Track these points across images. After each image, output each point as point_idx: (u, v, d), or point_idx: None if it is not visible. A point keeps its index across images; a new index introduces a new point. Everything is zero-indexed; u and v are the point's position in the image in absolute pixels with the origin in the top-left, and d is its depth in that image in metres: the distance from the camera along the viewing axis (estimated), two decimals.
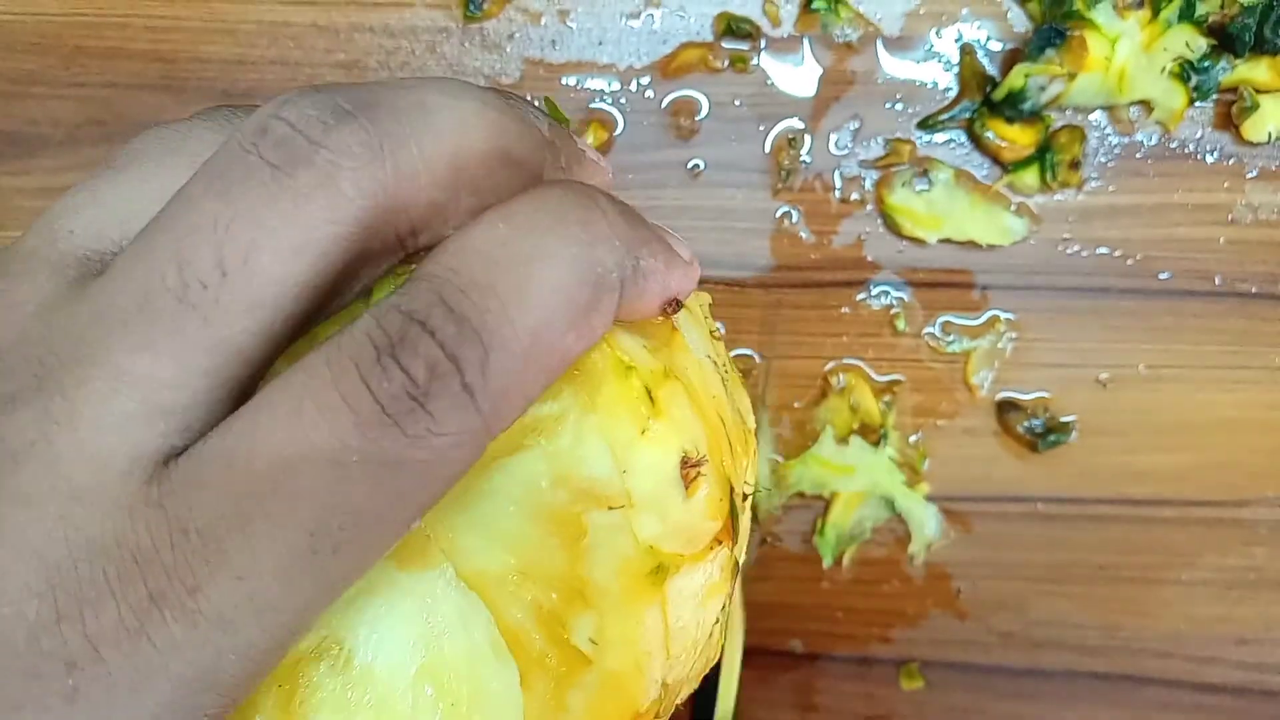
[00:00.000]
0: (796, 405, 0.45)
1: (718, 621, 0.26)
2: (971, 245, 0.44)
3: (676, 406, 0.24)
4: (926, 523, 0.45)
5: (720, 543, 0.24)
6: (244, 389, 0.20)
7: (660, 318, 0.24)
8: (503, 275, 0.20)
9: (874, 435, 0.45)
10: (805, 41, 0.43)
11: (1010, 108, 0.42)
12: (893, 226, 0.44)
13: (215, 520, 0.18)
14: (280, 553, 0.18)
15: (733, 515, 0.25)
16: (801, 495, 0.45)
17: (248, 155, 0.20)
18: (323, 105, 0.20)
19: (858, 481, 0.45)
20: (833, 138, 0.44)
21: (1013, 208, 0.44)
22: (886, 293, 0.45)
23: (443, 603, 0.22)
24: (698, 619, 0.25)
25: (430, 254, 0.20)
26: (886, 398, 0.45)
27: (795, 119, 0.44)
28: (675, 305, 0.24)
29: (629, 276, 0.22)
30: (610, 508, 0.23)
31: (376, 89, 0.21)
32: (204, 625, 0.18)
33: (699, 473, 0.24)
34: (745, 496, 0.27)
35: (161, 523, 0.18)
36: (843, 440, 0.45)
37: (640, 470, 0.23)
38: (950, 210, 0.43)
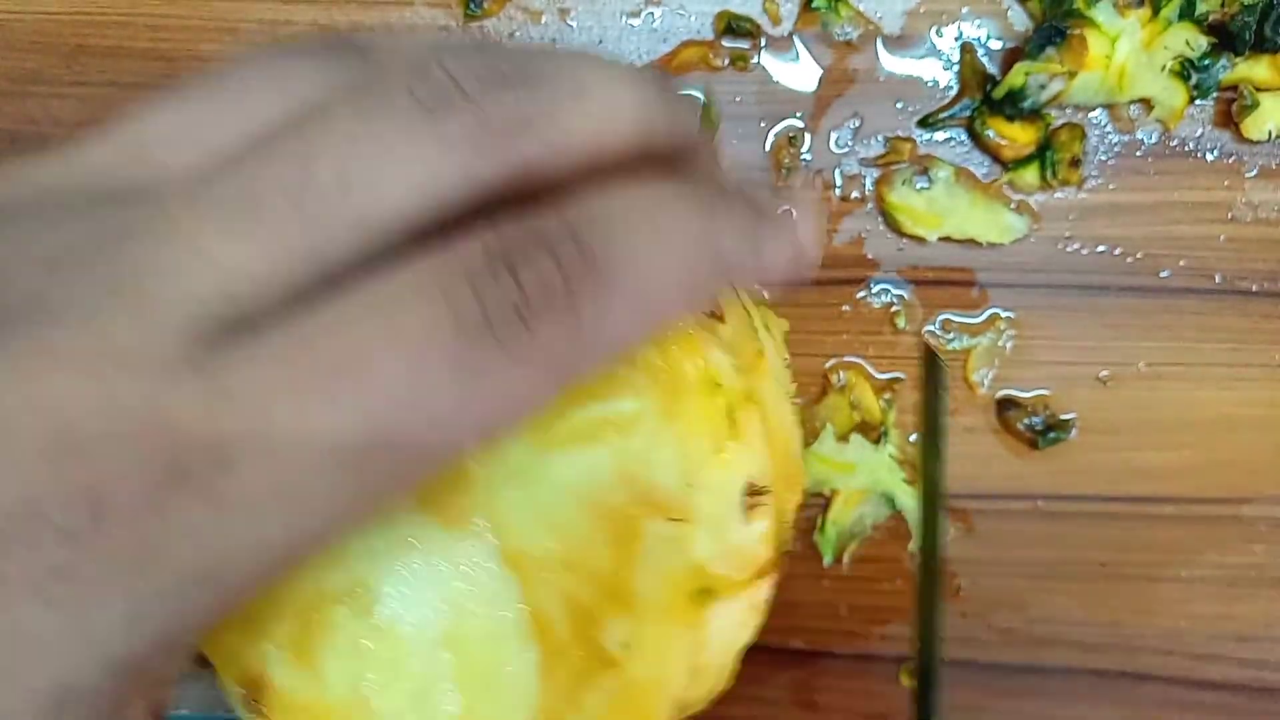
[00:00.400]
0: (798, 403, 0.45)
1: (738, 655, 0.26)
2: (972, 243, 0.44)
3: (753, 432, 0.23)
4: None
5: (765, 575, 0.24)
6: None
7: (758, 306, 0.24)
8: (632, 227, 0.19)
9: (874, 433, 0.45)
10: (805, 40, 0.43)
11: (1010, 106, 0.42)
12: (893, 224, 0.44)
13: (265, 389, 0.17)
14: (332, 437, 0.17)
15: (779, 549, 0.25)
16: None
17: (400, 90, 0.19)
18: (486, 66, 0.20)
19: (858, 479, 0.45)
20: (833, 136, 0.44)
21: (1013, 205, 0.44)
22: (887, 291, 0.45)
23: (479, 573, 0.21)
24: (727, 647, 0.25)
25: (566, 199, 0.20)
26: (887, 395, 0.45)
27: (795, 117, 0.44)
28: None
29: (748, 263, 0.21)
30: (670, 519, 0.22)
31: (537, 59, 0.21)
32: (227, 510, 0.17)
33: (761, 502, 0.23)
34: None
35: (202, 391, 0.17)
36: (843, 438, 0.45)
37: (707, 489, 0.22)
38: (950, 208, 0.43)
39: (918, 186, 0.44)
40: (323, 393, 0.17)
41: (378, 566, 0.21)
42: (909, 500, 0.45)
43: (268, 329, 0.18)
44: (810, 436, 0.45)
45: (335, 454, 0.18)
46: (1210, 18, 0.42)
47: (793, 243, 0.22)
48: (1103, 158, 0.44)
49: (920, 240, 0.44)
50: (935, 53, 0.43)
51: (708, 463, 0.22)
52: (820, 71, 0.43)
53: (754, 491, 0.23)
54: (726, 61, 0.43)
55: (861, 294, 0.44)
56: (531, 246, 0.18)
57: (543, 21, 0.43)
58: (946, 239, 0.44)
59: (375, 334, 0.18)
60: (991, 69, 0.43)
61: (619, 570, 0.22)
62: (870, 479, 0.45)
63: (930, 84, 0.43)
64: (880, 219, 0.44)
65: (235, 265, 0.18)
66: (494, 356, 0.18)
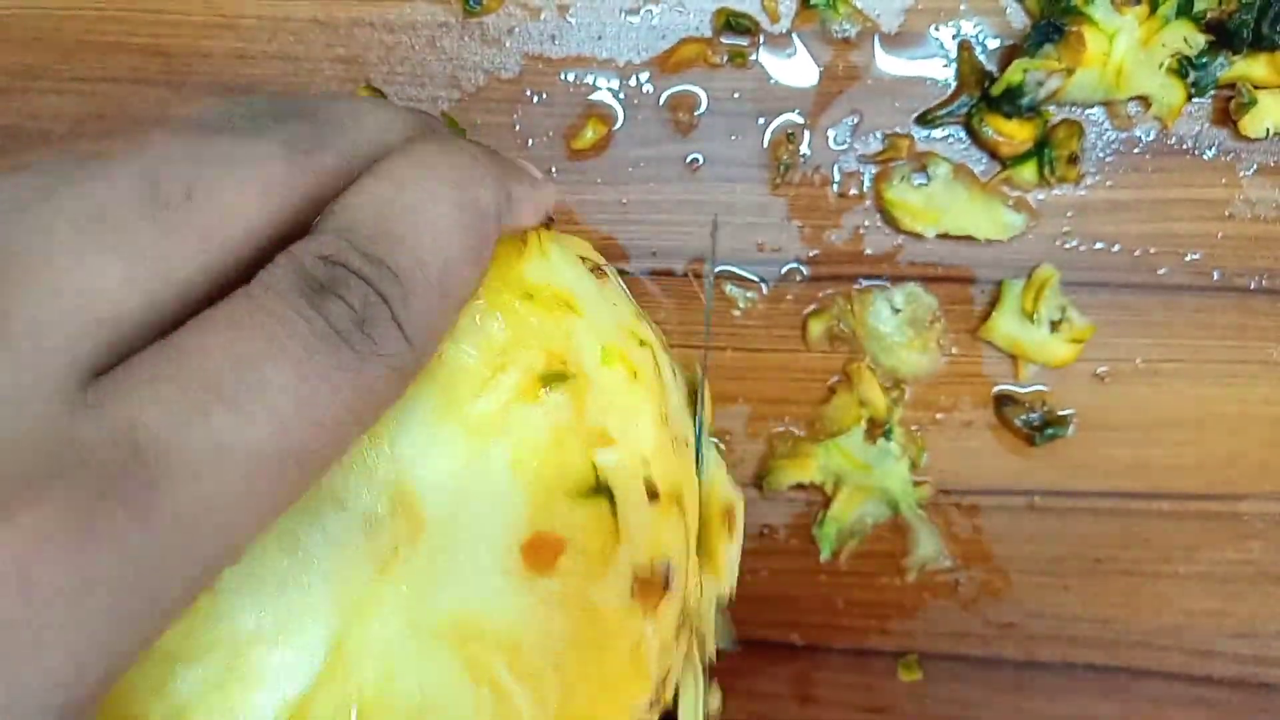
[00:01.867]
0: (803, 401, 0.45)
1: None
2: (969, 240, 0.44)
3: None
4: (924, 542, 0.46)
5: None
6: (174, 328, 0.20)
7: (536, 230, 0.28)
8: (400, 223, 0.22)
9: (880, 429, 0.45)
10: (804, 37, 0.43)
11: (1008, 103, 0.42)
12: (891, 221, 0.44)
13: (170, 415, 0.18)
14: (246, 449, 0.19)
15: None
16: (801, 486, 0.46)
17: (220, 120, 0.22)
18: (275, 105, 0.23)
19: (867, 479, 0.45)
20: (831, 133, 0.44)
21: (1010, 203, 0.44)
22: (885, 287, 0.45)
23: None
24: None
25: (324, 213, 0.22)
26: (894, 393, 0.45)
27: (794, 114, 0.44)
28: (549, 221, 0.28)
29: (505, 208, 0.25)
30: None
31: (313, 99, 0.24)
32: (158, 525, 0.18)
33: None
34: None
35: (104, 421, 0.18)
36: (870, 439, 0.45)
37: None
38: (949, 204, 0.43)
39: (915, 183, 0.44)
40: (227, 409, 0.19)
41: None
42: (912, 516, 0.45)
43: (156, 349, 0.19)
44: (818, 435, 0.45)
45: (254, 464, 0.19)
46: (1208, 15, 0.42)
47: (531, 187, 0.26)
48: (1101, 155, 0.44)
49: (919, 237, 0.44)
50: (933, 51, 0.43)
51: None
52: (818, 69, 0.43)
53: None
54: (725, 58, 0.43)
55: (859, 290, 0.45)
56: (335, 270, 0.21)
57: (541, 18, 0.43)
58: (945, 236, 0.44)
59: (258, 348, 0.19)
60: (990, 66, 0.43)
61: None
62: (880, 483, 0.45)
63: (928, 81, 0.43)
64: (878, 216, 0.44)
65: (90, 281, 0.19)
66: (354, 362, 0.20)
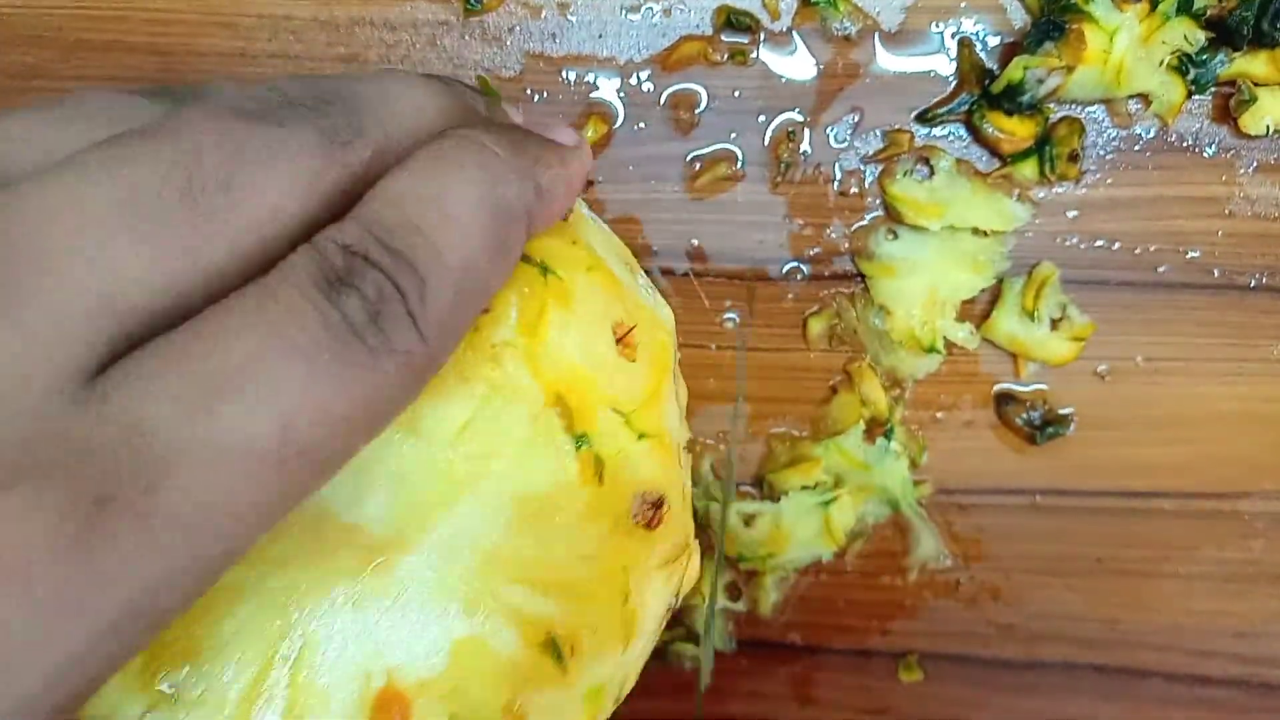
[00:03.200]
0: (804, 401, 0.45)
1: None
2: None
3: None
4: (924, 541, 0.46)
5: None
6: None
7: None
8: (423, 217, 0.21)
9: (881, 428, 0.45)
10: (804, 35, 0.43)
11: (1009, 100, 0.42)
12: (896, 216, 0.44)
13: (173, 412, 0.18)
14: (251, 449, 0.18)
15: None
16: (802, 487, 0.45)
17: (259, 106, 0.21)
18: (309, 87, 0.22)
19: (867, 479, 0.45)
20: (832, 131, 0.44)
21: (1015, 194, 0.44)
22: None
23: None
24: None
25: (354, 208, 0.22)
26: (895, 392, 0.45)
27: (794, 112, 0.44)
28: (586, 185, 0.29)
29: (533, 203, 0.24)
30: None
31: (346, 80, 0.23)
32: (158, 529, 0.17)
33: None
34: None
35: (109, 417, 0.17)
36: (869, 438, 0.45)
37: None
38: (952, 198, 0.43)
39: (919, 177, 0.44)
40: (234, 401, 0.18)
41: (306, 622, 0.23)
42: (912, 513, 0.45)
43: (164, 342, 0.18)
44: (821, 434, 0.45)
45: (257, 458, 0.18)
46: (1208, 12, 0.42)
47: (563, 169, 0.26)
48: (1101, 152, 0.44)
49: (923, 231, 0.44)
50: (934, 48, 0.43)
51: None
52: (819, 66, 0.43)
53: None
54: (726, 56, 0.43)
55: (860, 288, 0.45)
56: (353, 259, 0.20)
57: (543, 16, 0.43)
58: (951, 229, 0.44)
59: (267, 343, 0.19)
60: (990, 64, 0.43)
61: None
62: (880, 482, 0.45)
63: (929, 79, 0.44)
64: (881, 212, 0.44)
65: (125, 270, 0.18)
66: (366, 358, 0.19)
